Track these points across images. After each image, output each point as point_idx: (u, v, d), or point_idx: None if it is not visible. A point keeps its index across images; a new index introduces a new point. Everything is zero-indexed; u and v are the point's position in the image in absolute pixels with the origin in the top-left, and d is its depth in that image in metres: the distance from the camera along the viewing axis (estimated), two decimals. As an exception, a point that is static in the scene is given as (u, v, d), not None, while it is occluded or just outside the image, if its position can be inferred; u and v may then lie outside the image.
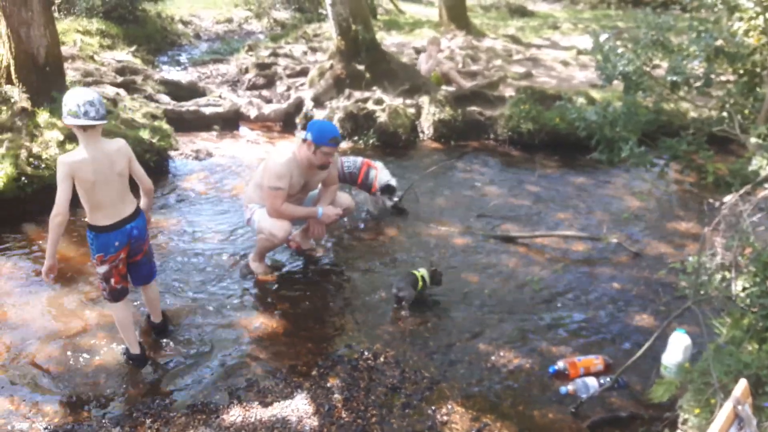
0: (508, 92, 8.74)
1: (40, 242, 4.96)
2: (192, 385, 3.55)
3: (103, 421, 3.25)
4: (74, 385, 3.51)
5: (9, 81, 6.30)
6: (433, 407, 3.42)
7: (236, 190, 6.22)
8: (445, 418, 3.35)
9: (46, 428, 3.17)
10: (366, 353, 3.83)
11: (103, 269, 3.46)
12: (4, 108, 5.98)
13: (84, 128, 3.22)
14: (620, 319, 4.28)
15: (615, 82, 4.21)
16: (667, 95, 4.42)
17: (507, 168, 7.17)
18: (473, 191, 6.45)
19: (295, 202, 4.59)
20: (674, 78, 4.05)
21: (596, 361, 3.73)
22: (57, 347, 3.79)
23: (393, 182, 5.70)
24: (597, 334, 4.13)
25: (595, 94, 8.08)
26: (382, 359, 3.79)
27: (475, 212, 5.89)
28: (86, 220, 3.39)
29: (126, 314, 3.64)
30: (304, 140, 4.36)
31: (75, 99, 3.19)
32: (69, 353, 3.75)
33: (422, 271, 4.40)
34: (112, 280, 3.49)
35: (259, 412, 3.31)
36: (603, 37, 4.37)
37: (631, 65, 4.12)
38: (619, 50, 4.27)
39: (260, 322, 4.15)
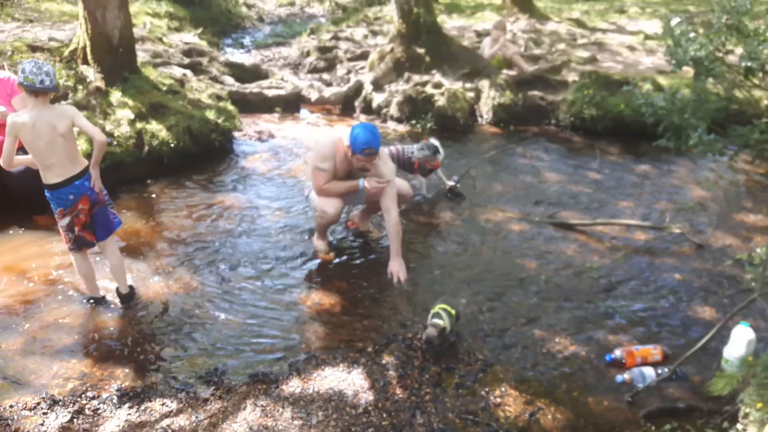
0: (572, 77, 8.56)
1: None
2: (252, 356, 3.69)
3: (169, 386, 3.42)
4: (142, 352, 3.71)
5: (85, 61, 6.61)
6: (486, 389, 3.45)
7: (297, 171, 6.36)
8: (499, 400, 3.38)
9: (118, 390, 3.36)
10: (420, 333, 3.88)
11: (65, 221, 3.83)
12: (81, 87, 6.28)
13: (36, 94, 3.58)
14: (681, 310, 4.20)
15: (684, 68, 4.09)
16: (740, 82, 4.25)
17: (568, 154, 7.06)
18: (532, 177, 6.38)
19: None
20: (749, 64, 3.90)
21: (654, 351, 3.68)
22: (124, 316, 4.00)
23: (434, 141, 5.73)
24: (656, 324, 4.07)
25: (663, 81, 7.82)
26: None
27: (533, 198, 5.84)
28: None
29: (85, 265, 4.02)
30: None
31: (34, 68, 3.56)
32: (136, 323, 3.95)
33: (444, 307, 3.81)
34: (75, 229, 3.83)
35: (316, 385, 3.43)
36: (674, 21, 4.24)
37: (704, 50, 3.98)
38: (691, 35, 4.14)
39: (318, 298, 4.26)
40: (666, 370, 3.49)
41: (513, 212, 5.57)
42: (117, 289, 4.08)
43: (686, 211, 5.60)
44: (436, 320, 3.69)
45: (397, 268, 4.41)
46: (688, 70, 4.12)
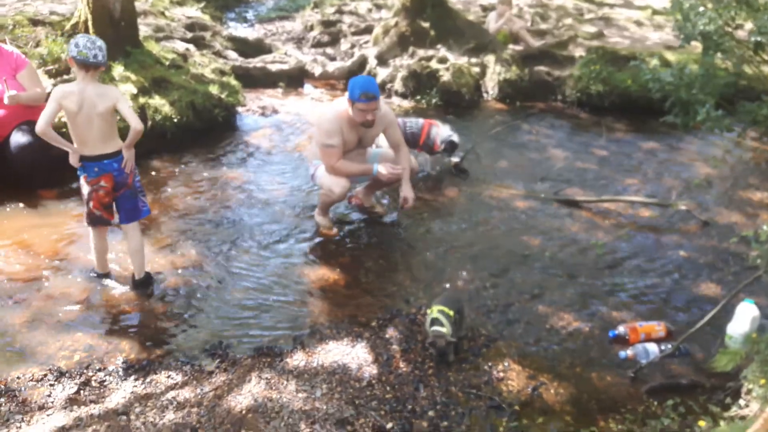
0: (578, 52, 8.45)
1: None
2: (256, 330, 3.71)
3: (174, 359, 3.45)
4: (147, 325, 3.73)
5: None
6: (489, 363, 3.47)
7: (300, 147, 6.32)
8: (502, 374, 3.40)
9: (123, 362, 3.39)
10: (424, 308, 3.89)
11: (86, 190, 3.80)
12: (83, 61, 6.22)
13: (87, 68, 3.58)
14: (685, 287, 4.20)
15: (693, 43, 4.03)
16: (750, 57, 4.19)
17: (574, 131, 7.01)
18: (538, 154, 6.35)
19: (358, 157, 4.64)
20: (758, 38, 3.84)
21: (658, 328, 3.68)
22: (129, 290, 4.01)
23: (455, 138, 5.66)
24: (660, 301, 4.07)
25: (670, 56, 7.73)
26: (440, 315, 3.85)
27: (538, 175, 5.81)
28: None
29: (101, 242, 4.02)
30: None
31: (87, 42, 3.57)
32: (141, 297, 3.96)
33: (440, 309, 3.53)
34: (91, 204, 3.80)
35: (320, 358, 3.45)
36: (684, -5, 4.17)
37: (712, 24, 3.92)
38: (700, 9, 4.08)
39: (322, 273, 4.27)
40: (669, 346, 3.50)
41: (518, 189, 5.54)
42: (132, 275, 4.04)
43: (693, 188, 5.57)
44: (437, 328, 3.42)
45: (409, 193, 4.54)
46: (697, 45, 4.08)
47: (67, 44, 6.13)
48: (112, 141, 3.76)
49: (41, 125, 3.55)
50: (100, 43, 3.59)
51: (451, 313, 3.47)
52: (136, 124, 3.64)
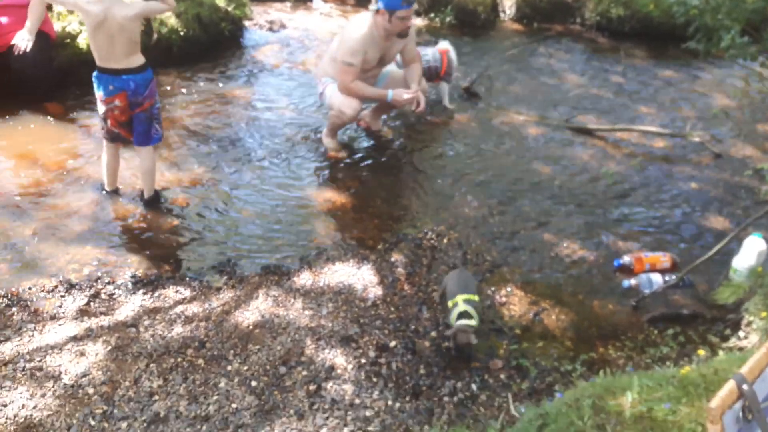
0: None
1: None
2: (264, 249, 3.74)
3: (182, 275, 3.50)
4: (154, 241, 3.75)
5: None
6: (492, 288, 3.51)
7: (308, 64, 6.17)
8: (504, 299, 3.44)
9: (132, 277, 3.44)
10: (430, 233, 3.90)
11: (102, 109, 3.76)
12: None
13: None
14: (694, 220, 4.18)
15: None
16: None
17: (591, 56, 6.80)
18: (553, 78, 6.18)
19: (369, 79, 4.53)
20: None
21: (663, 259, 3.69)
22: (137, 206, 4.02)
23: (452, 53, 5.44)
24: (668, 232, 4.06)
25: (698, -21, 7.37)
26: (445, 240, 3.86)
27: (552, 101, 5.68)
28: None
29: (113, 159, 3.99)
30: (377, 11, 4.20)
31: None
32: (149, 213, 3.97)
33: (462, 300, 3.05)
34: (109, 122, 3.78)
35: (327, 278, 3.49)
36: None
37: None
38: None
39: (330, 196, 4.26)
40: (674, 277, 3.51)
41: (530, 115, 5.43)
42: (141, 192, 4.03)
43: (709, 120, 5.44)
44: (465, 321, 2.94)
45: (421, 96, 4.44)
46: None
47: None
48: (134, 57, 3.65)
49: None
50: None
51: (477, 297, 3.09)
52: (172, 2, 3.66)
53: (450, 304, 3.07)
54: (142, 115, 3.78)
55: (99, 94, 3.71)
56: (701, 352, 2.94)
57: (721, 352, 2.97)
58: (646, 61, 6.68)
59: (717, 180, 4.62)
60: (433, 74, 5.30)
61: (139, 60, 3.69)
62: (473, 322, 2.95)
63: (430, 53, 5.35)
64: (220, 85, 5.68)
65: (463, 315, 2.97)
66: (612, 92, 5.96)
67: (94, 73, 3.69)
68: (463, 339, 2.94)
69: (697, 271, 3.52)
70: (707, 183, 4.58)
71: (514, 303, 3.42)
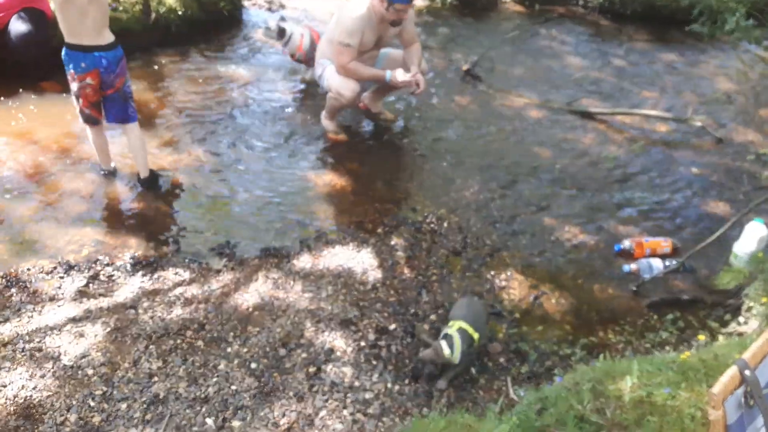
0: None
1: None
2: (263, 231, 3.72)
3: (182, 257, 3.48)
4: (153, 223, 3.74)
5: None
6: (492, 272, 3.50)
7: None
8: (504, 283, 3.43)
9: (131, 258, 3.42)
10: (430, 217, 3.89)
11: (74, 86, 3.68)
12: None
13: None
14: (695, 205, 4.17)
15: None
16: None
17: (593, 38, 6.74)
18: (554, 61, 6.13)
19: (367, 61, 4.48)
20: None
21: (664, 243, 3.68)
22: (135, 187, 3.99)
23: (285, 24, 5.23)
24: (669, 217, 4.05)
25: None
26: (445, 224, 3.85)
27: (553, 84, 5.64)
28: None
29: (99, 138, 3.94)
30: None
31: None
32: (148, 194, 3.95)
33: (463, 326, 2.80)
34: (81, 101, 3.71)
35: (327, 261, 3.48)
36: None
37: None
38: None
39: (329, 179, 4.23)
40: (674, 262, 3.51)
41: (531, 98, 5.40)
42: (138, 174, 3.98)
43: (711, 104, 5.41)
44: (444, 347, 2.68)
45: (420, 77, 4.33)
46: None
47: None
48: (104, 33, 3.58)
49: None
50: None
51: (476, 336, 2.78)
52: None
53: (449, 323, 2.86)
54: (116, 95, 3.73)
55: (70, 72, 3.62)
56: (701, 337, 2.94)
57: (721, 338, 2.98)
58: (648, 45, 6.62)
59: (718, 165, 4.60)
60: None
61: (109, 37, 3.61)
62: (447, 353, 2.66)
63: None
64: (219, 65, 5.62)
65: (445, 338, 2.72)
66: (614, 75, 5.91)
67: (64, 50, 3.59)
68: (427, 356, 2.71)
69: (698, 257, 3.53)
70: (708, 168, 4.56)
71: (514, 287, 3.42)
